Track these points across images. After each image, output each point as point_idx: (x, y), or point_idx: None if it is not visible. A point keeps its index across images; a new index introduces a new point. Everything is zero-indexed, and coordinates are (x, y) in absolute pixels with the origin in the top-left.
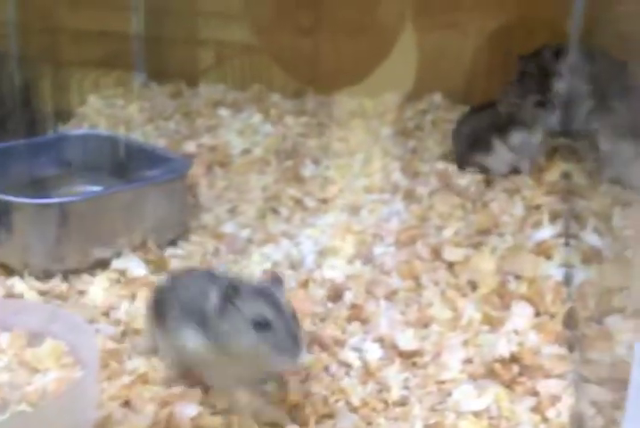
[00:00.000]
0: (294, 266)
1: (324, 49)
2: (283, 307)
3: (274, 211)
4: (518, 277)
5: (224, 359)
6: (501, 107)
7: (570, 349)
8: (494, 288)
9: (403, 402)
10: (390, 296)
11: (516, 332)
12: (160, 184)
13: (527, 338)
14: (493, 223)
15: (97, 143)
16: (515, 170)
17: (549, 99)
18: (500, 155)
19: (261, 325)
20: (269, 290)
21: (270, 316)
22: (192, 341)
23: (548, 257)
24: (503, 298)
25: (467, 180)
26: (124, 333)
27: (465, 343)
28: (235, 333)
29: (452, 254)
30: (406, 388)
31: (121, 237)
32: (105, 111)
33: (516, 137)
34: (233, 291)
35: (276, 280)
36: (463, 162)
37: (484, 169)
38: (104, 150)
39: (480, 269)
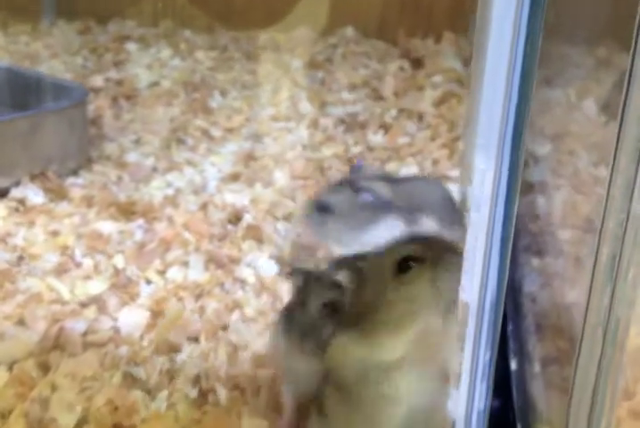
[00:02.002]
0: (197, 191)
1: None
2: None
3: (180, 141)
4: None
5: None
6: None
7: None
8: None
9: None
10: (289, 217)
11: None
12: (57, 112)
13: None
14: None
15: None
16: None
17: None
18: None
19: None
20: None
21: None
22: None
23: None
24: None
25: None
26: (20, 258)
27: None
28: None
29: None
30: None
31: (19, 166)
32: (10, 48)
33: None
34: None
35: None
36: None
37: None
38: (3, 82)
39: None
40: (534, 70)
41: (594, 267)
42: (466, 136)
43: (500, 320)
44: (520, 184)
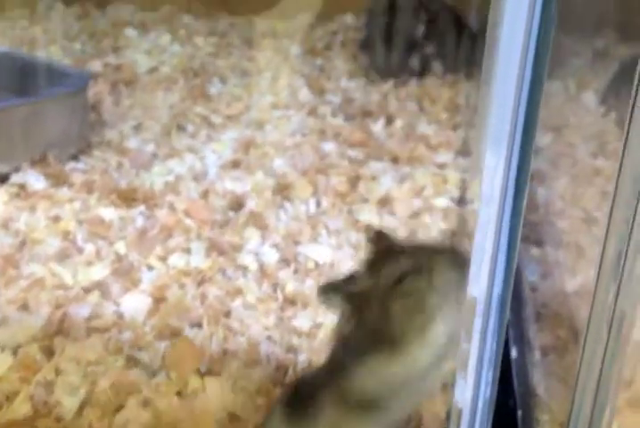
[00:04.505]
0: (197, 178)
1: None
2: None
3: (180, 128)
4: None
5: None
6: None
7: None
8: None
9: (294, 301)
10: (292, 203)
11: None
12: (58, 98)
13: None
14: None
15: None
16: None
17: None
18: None
19: None
20: None
21: None
22: None
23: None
24: None
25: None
26: (22, 243)
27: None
28: None
29: None
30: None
31: (19, 152)
32: (7, 33)
33: None
34: None
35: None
36: None
37: None
38: (2, 67)
39: None
40: (544, 70)
41: (601, 261)
42: (476, 134)
43: (507, 313)
44: (528, 180)
